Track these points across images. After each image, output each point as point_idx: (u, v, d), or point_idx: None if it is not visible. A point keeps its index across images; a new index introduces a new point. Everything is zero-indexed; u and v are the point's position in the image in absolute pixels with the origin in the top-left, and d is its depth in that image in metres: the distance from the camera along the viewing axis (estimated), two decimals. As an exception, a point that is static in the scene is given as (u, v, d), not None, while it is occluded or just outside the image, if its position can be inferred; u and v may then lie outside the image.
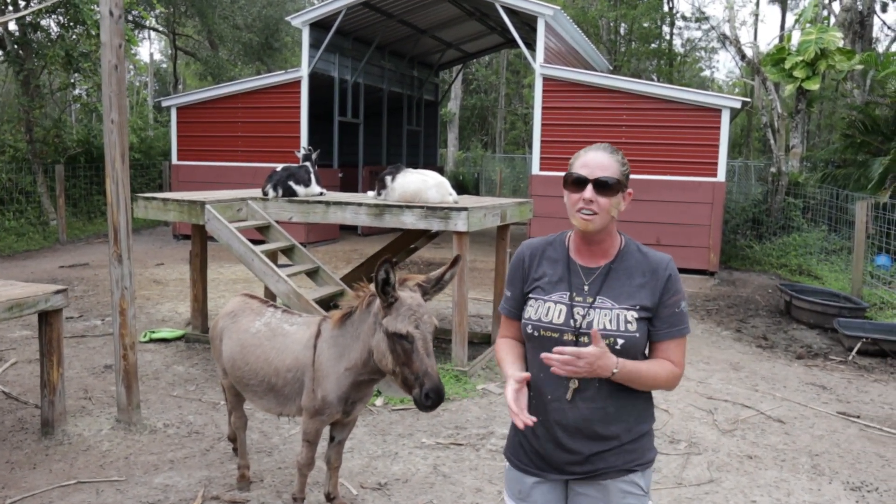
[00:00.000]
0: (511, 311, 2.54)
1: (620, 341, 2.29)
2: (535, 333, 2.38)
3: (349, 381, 3.64)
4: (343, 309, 3.72)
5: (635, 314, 2.31)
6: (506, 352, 2.52)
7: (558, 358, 2.19)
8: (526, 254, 2.51)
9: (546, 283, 2.41)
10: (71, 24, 14.53)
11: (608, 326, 2.30)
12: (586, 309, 2.33)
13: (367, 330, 3.48)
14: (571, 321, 2.33)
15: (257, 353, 3.99)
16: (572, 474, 2.38)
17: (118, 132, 5.26)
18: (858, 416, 6.11)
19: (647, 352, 2.41)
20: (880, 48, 26.91)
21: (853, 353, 7.93)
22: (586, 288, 2.36)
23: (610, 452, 2.35)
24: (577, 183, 2.32)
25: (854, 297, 9.79)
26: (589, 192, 2.28)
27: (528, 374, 2.35)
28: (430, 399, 3.11)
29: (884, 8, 28.20)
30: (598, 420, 2.33)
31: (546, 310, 2.37)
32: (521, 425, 2.24)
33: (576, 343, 2.31)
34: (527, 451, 2.45)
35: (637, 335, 2.31)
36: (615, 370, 2.23)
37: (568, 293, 2.36)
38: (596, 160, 2.32)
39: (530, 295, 2.44)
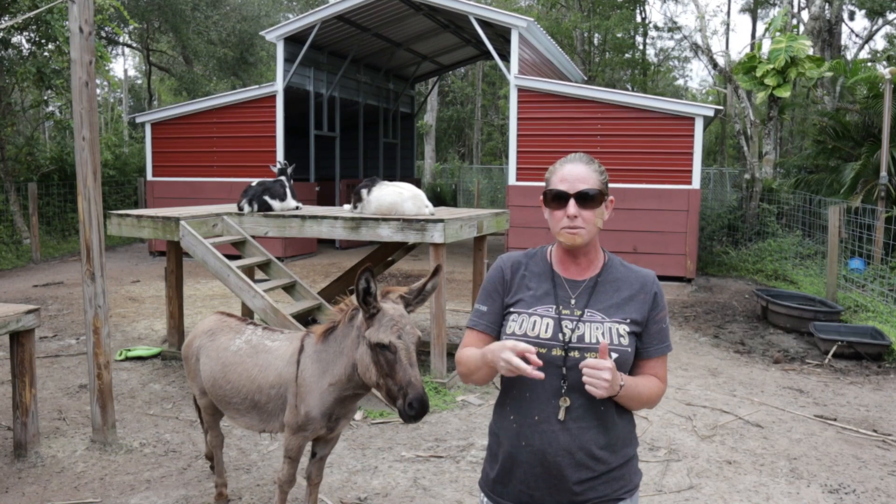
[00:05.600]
0: (487, 327, 2.35)
1: (615, 355, 2.19)
2: None
3: (333, 397, 3.60)
4: (325, 324, 3.68)
5: (626, 328, 2.23)
6: (475, 350, 2.30)
7: (593, 373, 2.07)
8: (507, 266, 2.37)
9: (530, 297, 2.29)
10: (42, 41, 14.40)
11: (601, 340, 2.20)
12: (575, 322, 2.22)
13: (351, 344, 3.45)
14: (560, 335, 2.21)
15: (239, 371, 3.94)
16: None
17: (90, 149, 5.21)
18: (835, 419, 6.17)
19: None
20: (849, 55, 27.36)
21: (829, 356, 8.00)
22: (573, 301, 2.26)
23: (599, 480, 2.22)
24: (557, 199, 2.23)
25: (829, 301, 9.90)
26: (572, 207, 2.20)
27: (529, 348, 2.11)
28: (414, 409, 3.04)
29: (851, 16, 28.72)
30: (588, 441, 2.20)
31: (532, 324, 2.24)
32: (537, 374, 2.05)
33: (565, 357, 2.19)
34: (508, 484, 2.27)
35: (629, 350, 2.23)
36: (622, 383, 2.14)
37: (554, 306, 2.25)
38: (574, 173, 2.23)
39: (512, 309, 2.30)
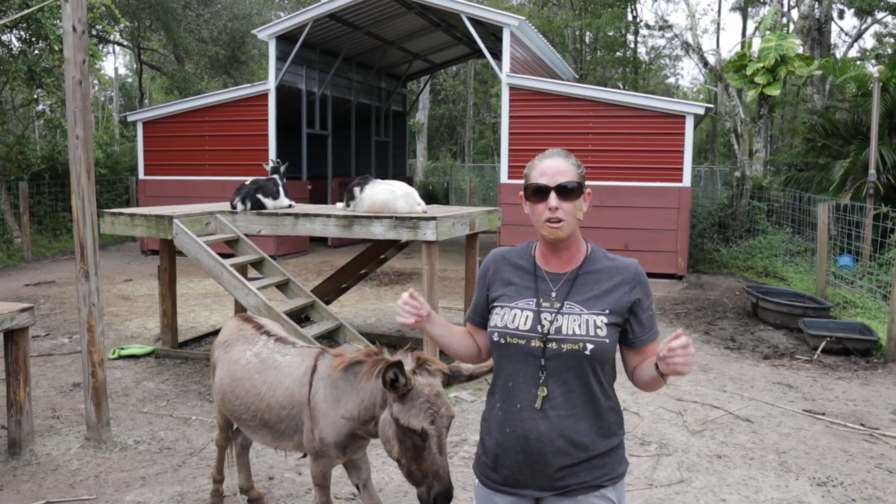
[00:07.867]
0: (472, 318, 2.56)
1: (590, 346, 2.25)
2: (502, 341, 2.34)
3: (346, 431, 3.38)
4: (349, 357, 3.41)
5: (605, 319, 2.27)
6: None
7: (683, 356, 2.09)
8: (491, 263, 2.49)
9: (513, 291, 2.38)
10: (33, 39, 14.35)
11: (577, 331, 2.26)
12: (554, 314, 2.28)
13: (371, 392, 3.21)
14: (539, 327, 2.29)
15: (247, 387, 3.78)
16: (542, 490, 2.31)
17: (83, 148, 5.22)
18: (823, 414, 6.24)
19: (618, 358, 2.37)
20: (838, 54, 27.51)
21: (818, 352, 8.08)
22: (553, 294, 2.32)
23: (580, 467, 2.29)
24: (538, 192, 2.30)
25: (818, 298, 9.98)
26: (553, 199, 2.27)
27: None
28: (438, 503, 2.83)
29: (840, 15, 28.88)
30: (568, 429, 2.27)
31: (512, 317, 2.33)
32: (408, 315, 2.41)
33: (544, 349, 2.27)
34: (496, 468, 2.37)
35: (607, 341, 2.27)
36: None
37: (535, 299, 2.32)
38: (553, 167, 2.31)
39: (496, 303, 2.40)
